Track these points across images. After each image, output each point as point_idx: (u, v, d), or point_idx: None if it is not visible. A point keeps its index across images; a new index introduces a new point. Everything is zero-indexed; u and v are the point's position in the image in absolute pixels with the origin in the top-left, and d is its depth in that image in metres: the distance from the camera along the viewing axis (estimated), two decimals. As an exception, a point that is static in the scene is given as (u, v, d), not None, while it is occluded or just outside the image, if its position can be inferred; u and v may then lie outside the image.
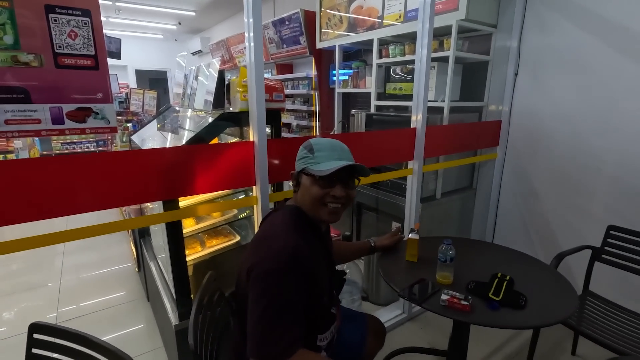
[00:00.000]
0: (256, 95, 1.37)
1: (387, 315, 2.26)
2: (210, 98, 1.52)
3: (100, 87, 1.11)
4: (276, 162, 1.51)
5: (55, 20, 1.01)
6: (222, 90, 1.53)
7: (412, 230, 1.52)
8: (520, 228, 2.57)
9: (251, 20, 1.31)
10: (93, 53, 1.08)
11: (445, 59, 2.34)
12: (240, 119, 1.50)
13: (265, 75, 4.82)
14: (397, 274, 1.42)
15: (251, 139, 1.45)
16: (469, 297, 1.17)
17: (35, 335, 1.02)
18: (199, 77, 1.70)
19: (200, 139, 1.44)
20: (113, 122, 1.15)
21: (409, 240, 1.50)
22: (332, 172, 0.97)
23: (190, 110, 1.90)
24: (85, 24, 1.06)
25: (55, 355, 1.01)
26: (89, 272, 3.07)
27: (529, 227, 2.51)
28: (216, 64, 1.55)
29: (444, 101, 2.40)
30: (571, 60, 2.15)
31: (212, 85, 1.52)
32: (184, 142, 1.48)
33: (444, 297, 1.18)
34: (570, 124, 2.20)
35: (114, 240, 3.60)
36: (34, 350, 1.02)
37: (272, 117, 1.53)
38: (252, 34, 1.32)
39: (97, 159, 1.15)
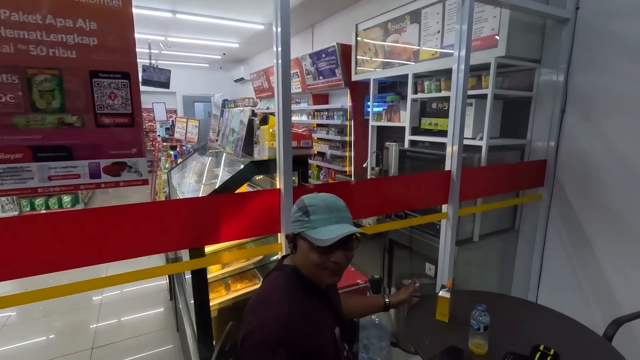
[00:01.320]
0: (283, 145, 1.38)
1: (417, 367, 2.11)
2: (240, 145, 1.56)
3: (135, 142, 1.17)
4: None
5: (97, 84, 1.09)
6: (251, 138, 1.56)
7: (443, 287, 1.43)
8: (570, 280, 2.32)
9: (280, 75, 1.33)
10: (130, 112, 1.15)
11: (484, 96, 2.25)
12: (268, 166, 1.51)
13: (301, 105, 4.94)
14: (426, 335, 1.32)
15: (277, 187, 1.45)
16: (506, 374, 1.06)
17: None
18: (231, 123, 1.76)
19: (229, 186, 1.46)
20: (145, 174, 1.20)
21: (439, 299, 1.40)
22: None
23: (224, 151, 1.97)
24: (124, 85, 1.13)
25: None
26: (127, 294, 3.20)
27: (580, 281, 2.26)
28: (247, 111, 1.59)
29: (482, 139, 2.29)
30: (627, 100, 1.97)
31: (242, 133, 1.56)
32: (213, 187, 1.51)
33: (476, 372, 1.08)
34: (626, 166, 1.99)
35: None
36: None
37: (300, 163, 1.53)
38: (280, 86, 1.35)
39: (129, 210, 1.20)
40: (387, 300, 1.41)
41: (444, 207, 2.02)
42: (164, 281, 3.29)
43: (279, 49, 1.34)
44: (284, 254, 1.49)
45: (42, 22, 0.99)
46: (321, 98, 4.95)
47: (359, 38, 3.62)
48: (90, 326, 2.62)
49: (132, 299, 3.11)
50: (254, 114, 1.63)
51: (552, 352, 1.18)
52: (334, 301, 1.13)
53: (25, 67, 1.00)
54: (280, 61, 1.35)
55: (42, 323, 2.75)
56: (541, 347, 1.20)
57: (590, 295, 2.21)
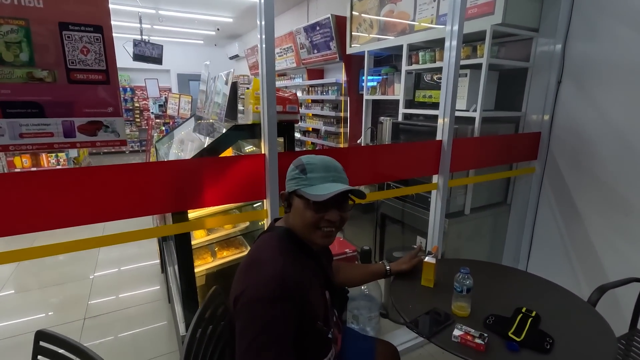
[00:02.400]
0: (267, 107, 1.34)
1: (406, 335, 2.14)
2: (224, 110, 1.52)
3: (111, 101, 1.13)
4: (288, 175, 1.47)
5: (68, 37, 1.04)
6: (235, 101, 1.51)
7: (429, 253, 1.42)
8: (560, 253, 2.34)
9: (264, 36, 1.28)
10: (104, 68, 1.10)
11: (478, 66, 2.19)
12: (253, 131, 1.48)
13: (296, 81, 4.85)
14: (410, 301, 1.32)
15: (262, 152, 1.42)
16: (485, 334, 1.06)
17: (41, 343, 1.05)
18: (216, 87, 1.71)
19: (212, 150, 1.43)
20: (122, 135, 1.17)
21: (425, 264, 1.39)
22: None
23: (208, 118, 1.92)
24: (97, 39, 1.08)
25: (58, 364, 1.03)
26: (120, 267, 3.22)
27: (569, 253, 2.27)
28: (231, 74, 1.54)
29: (475, 111, 2.25)
30: (624, 70, 1.92)
31: (225, 98, 1.51)
32: (194, 152, 1.48)
33: (456, 332, 1.08)
34: (620, 138, 1.97)
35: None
36: (39, 357, 1.05)
37: (286, 129, 1.50)
38: (264, 45, 1.30)
39: (112, 170, 1.17)
40: (387, 267, 1.41)
41: (435, 178, 2.00)
42: (156, 260, 3.30)
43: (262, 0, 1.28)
44: (269, 220, 1.47)
45: (4, -34, 0.93)
46: (316, 73, 4.85)
47: (353, 10, 3.51)
48: (84, 300, 2.64)
49: (127, 275, 3.13)
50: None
51: (533, 313, 1.18)
52: (325, 265, 1.13)
53: (-12, 16, 0.95)
54: (263, 22, 1.29)
55: (37, 295, 2.77)
56: (523, 310, 1.21)
57: (578, 265, 2.23)
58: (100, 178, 1.17)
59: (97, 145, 1.14)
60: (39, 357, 1.06)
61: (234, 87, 1.52)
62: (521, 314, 1.18)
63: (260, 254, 0.96)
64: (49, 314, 2.54)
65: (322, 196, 0.91)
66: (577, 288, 1.64)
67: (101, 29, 1.08)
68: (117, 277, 3.07)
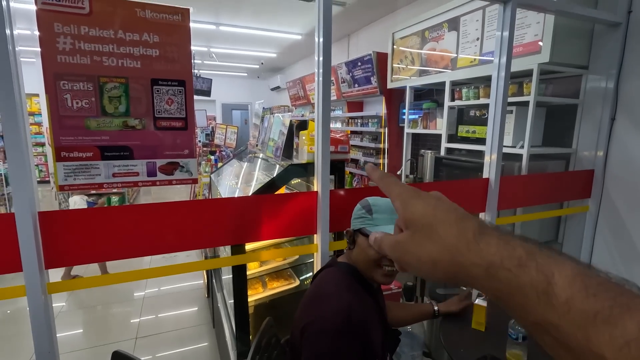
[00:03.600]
0: (322, 148, 1.44)
1: (451, 378, 2.06)
2: (280, 148, 1.63)
3: (188, 144, 1.27)
4: (338, 211, 1.54)
5: (157, 91, 1.21)
6: (291, 142, 1.63)
7: (479, 295, 1.40)
8: (620, 297, 2.18)
9: (321, 80, 1.40)
10: (184, 116, 1.25)
11: (525, 104, 2.19)
12: (306, 169, 1.58)
13: (336, 113, 5.01)
14: (461, 344, 1.31)
15: (315, 189, 1.50)
16: (545, 387, 1.03)
17: (116, 363, 1.16)
18: (272, 126, 1.85)
19: (270, 187, 1.54)
20: (195, 174, 1.30)
21: (475, 307, 1.38)
22: None
23: (263, 155, 2.06)
24: (180, 92, 1.24)
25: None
26: (168, 287, 3.39)
27: (630, 298, 2.12)
28: (287, 117, 1.67)
29: (522, 147, 2.22)
30: (685, 106, 1.85)
31: (282, 138, 1.63)
32: (254, 188, 1.59)
33: (513, 382, 1.06)
34: (685, 178, 1.86)
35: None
36: (114, 376, 1.15)
37: (337, 167, 1.58)
38: (320, 94, 1.41)
39: (179, 206, 1.30)
40: (436, 308, 1.42)
41: (482, 216, 1.98)
42: (199, 281, 3.45)
43: (320, 58, 1.40)
44: (319, 254, 1.54)
45: (114, 36, 1.12)
46: (356, 105, 5.00)
47: (395, 46, 3.65)
48: (132, 320, 2.80)
49: (171, 296, 3.28)
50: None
51: (597, 367, 1.13)
52: (381, 302, 1.16)
53: (98, 76, 1.13)
54: (321, 70, 1.41)
55: (90, 313, 2.97)
56: None
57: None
58: (175, 212, 1.30)
59: (173, 183, 1.28)
60: (113, 375, 1.16)
61: (291, 128, 1.64)
62: (583, 367, 1.13)
63: (326, 287, 1.01)
64: (104, 331, 2.71)
65: None
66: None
67: (184, 83, 1.24)
68: (164, 299, 3.23)
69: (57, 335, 1.26)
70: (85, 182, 1.17)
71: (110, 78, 1.14)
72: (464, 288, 2.34)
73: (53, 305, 1.23)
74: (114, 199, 5.72)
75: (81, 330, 2.69)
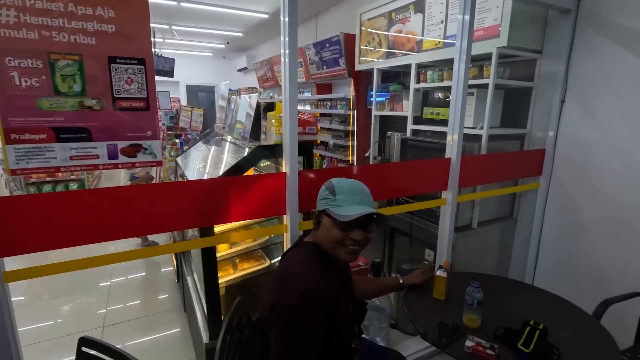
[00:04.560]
0: (290, 129, 1.44)
1: (415, 346, 2.20)
2: (248, 130, 1.62)
3: (150, 125, 1.24)
4: (306, 192, 1.56)
5: (115, 69, 1.15)
6: (259, 123, 1.62)
7: (440, 268, 1.50)
8: (565, 267, 2.40)
9: (287, 61, 1.39)
10: (145, 96, 1.21)
11: (485, 86, 2.29)
12: (275, 151, 1.58)
13: (305, 95, 4.97)
14: (423, 312, 1.40)
15: (283, 170, 1.52)
16: (496, 345, 1.13)
17: (83, 348, 1.14)
18: (239, 108, 1.82)
19: (237, 169, 1.53)
20: (159, 156, 1.27)
21: (436, 278, 1.47)
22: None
23: (229, 137, 2.03)
24: (140, 70, 1.19)
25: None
26: (135, 275, 3.31)
27: (575, 267, 2.34)
28: (255, 97, 1.65)
29: (482, 128, 2.34)
30: (625, 87, 2.01)
31: (250, 119, 1.61)
32: (222, 171, 1.58)
33: (468, 343, 1.15)
34: (624, 155, 2.05)
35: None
36: (82, 362, 1.14)
37: (305, 149, 1.60)
38: (287, 75, 1.40)
39: (144, 189, 1.27)
40: (401, 281, 1.50)
41: (444, 194, 2.09)
42: (169, 267, 3.39)
43: (287, 38, 1.39)
44: (288, 234, 1.56)
45: (64, 9, 1.05)
46: (324, 88, 4.98)
47: (362, 28, 3.64)
48: (98, 309, 2.72)
49: (139, 283, 3.21)
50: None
51: (541, 326, 1.25)
52: (348, 278, 1.21)
53: (48, 53, 1.06)
54: (287, 51, 1.40)
55: (51, 305, 2.85)
56: (531, 322, 1.28)
57: (582, 279, 2.29)
58: (138, 196, 1.27)
59: (136, 165, 1.24)
60: (81, 362, 1.14)
61: (258, 109, 1.62)
62: (529, 327, 1.25)
63: (293, 267, 1.04)
64: (68, 321, 2.62)
65: (347, 217, 1.00)
66: (582, 302, 1.68)
67: (144, 62, 1.19)
68: (132, 286, 3.16)
69: (18, 328, 1.22)
70: (40, 166, 1.11)
71: (62, 55, 1.07)
72: (426, 261, 2.48)
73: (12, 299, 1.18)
74: (72, 186, 5.43)
75: (43, 322, 2.59)
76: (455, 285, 1.51)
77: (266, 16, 5.74)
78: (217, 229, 1.61)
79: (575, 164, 2.30)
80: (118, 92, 1.17)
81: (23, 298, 2.88)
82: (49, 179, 5.32)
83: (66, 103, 1.10)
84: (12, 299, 1.19)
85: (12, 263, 1.17)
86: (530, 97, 2.46)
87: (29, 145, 1.08)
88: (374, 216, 1.07)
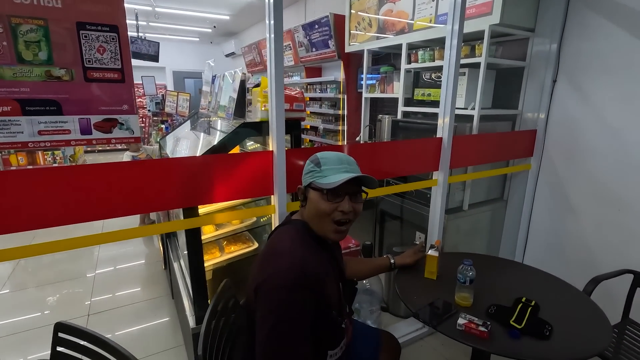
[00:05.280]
0: (276, 105, 1.38)
1: (406, 328, 2.20)
2: (232, 107, 1.55)
3: (126, 99, 1.16)
4: (294, 171, 1.51)
5: (85, 36, 1.07)
6: (243, 99, 1.54)
7: (432, 247, 1.47)
8: (555, 247, 2.41)
9: (272, 36, 1.31)
10: (120, 67, 1.13)
11: (476, 65, 2.25)
12: (260, 128, 1.52)
13: (294, 79, 4.87)
14: (414, 292, 1.37)
15: (270, 149, 1.46)
16: (488, 322, 1.11)
17: (60, 334, 1.08)
18: (222, 86, 1.74)
19: (221, 147, 1.46)
20: (137, 132, 1.20)
21: (428, 257, 1.45)
22: (340, 185, 0.96)
23: (215, 117, 1.95)
24: (113, 39, 1.10)
25: (78, 355, 1.06)
26: (122, 265, 3.23)
27: (564, 246, 2.35)
28: (239, 73, 1.57)
29: (474, 109, 2.30)
30: (617, 66, 1.99)
31: (234, 95, 1.54)
32: (205, 149, 1.51)
33: (460, 321, 1.13)
34: (615, 135, 2.04)
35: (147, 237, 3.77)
36: (59, 349, 1.08)
37: (292, 126, 1.54)
38: (273, 45, 1.33)
39: (122, 167, 1.20)
40: (392, 261, 1.47)
41: (435, 174, 2.06)
42: (155, 255, 3.33)
43: (272, 21, 1.31)
44: (276, 215, 1.51)
45: (25, -33, 0.96)
46: (314, 71, 4.88)
47: (352, 10, 3.55)
48: (84, 299, 2.65)
49: (125, 272, 3.14)
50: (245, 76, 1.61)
51: (533, 303, 1.24)
52: (338, 257, 1.17)
53: (8, 16, 0.97)
54: (272, 35, 1.32)
55: (38, 293, 2.77)
56: (523, 299, 1.26)
57: (572, 258, 2.30)
58: (115, 174, 1.20)
59: (112, 142, 1.17)
60: (58, 348, 1.09)
61: (242, 85, 1.55)
62: (521, 304, 1.24)
63: (279, 244, 0.99)
64: (52, 311, 2.55)
65: (333, 183, 0.96)
66: (572, 280, 1.69)
67: (117, 29, 1.10)
68: (118, 275, 3.09)
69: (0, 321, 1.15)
70: (6, 141, 1.03)
71: (25, 19, 0.98)
72: (416, 242, 2.46)
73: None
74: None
75: (24, 313, 2.51)
76: (447, 265, 1.48)
77: (253, -2, 5.57)
78: (202, 210, 1.55)
79: (566, 145, 2.29)
80: (89, 61, 1.08)
81: (8, 291, 2.79)
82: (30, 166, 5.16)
83: (31, 72, 1.02)
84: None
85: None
86: (522, 77, 2.43)
87: (-8, 118, 1.00)
88: (363, 188, 1.03)
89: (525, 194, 2.52)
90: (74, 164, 5.99)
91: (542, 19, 2.28)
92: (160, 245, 2.91)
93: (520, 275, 1.55)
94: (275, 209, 1.51)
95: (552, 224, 2.42)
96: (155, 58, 5.89)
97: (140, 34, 6.37)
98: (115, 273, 3.10)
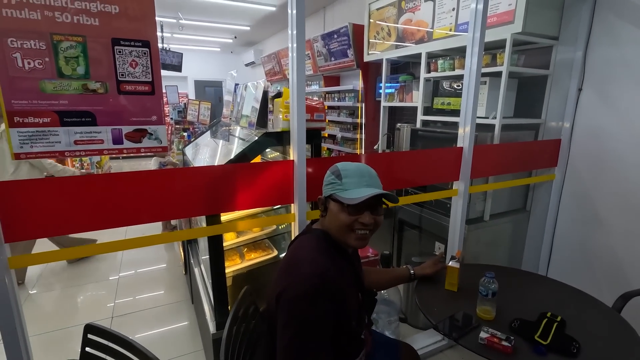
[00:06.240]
0: (297, 116, 1.41)
1: (425, 340, 2.16)
2: (254, 117, 1.59)
3: (155, 110, 1.21)
4: (314, 180, 1.53)
5: (119, 52, 1.13)
6: (265, 109, 1.58)
7: (452, 258, 1.45)
8: (580, 260, 2.33)
9: (295, 45, 1.35)
10: (150, 80, 1.18)
11: (498, 74, 2.22)
12: (282, 138, 1.55)
13: (313, 87, 4.93)
14: (435, 304, 1.36)
15: (291, 158, 1.48)
16: (512, 337, 1.09)
17: (89, 336, 1.13)
18: (245, 95, 1.79)
19: (243, 156, 1.50)
20: (164, 142, 1.25)
21: (449, 269, 1.43)
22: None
23: (237, 126, 2.00)
24: (144, 53, 1.16)
25: (105, 356, 1.10)
26: (143, 268, 3.32)
27: (591, 260, 2.26)
28: (261, 83, 1.61)
29: (495, 118, 2.27)
30: (647, 75, 1.93)
31: (256, 105, 1.58)
32: (228, 159, 1.55)
33: (483, 334, 1.11)
34: (643, 145, 1.97)
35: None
36: (87, 349, 1.13)
37: (313, 136, 1.56)
38: (295, 55, 1.36)
39: (149, 175, 1.25)
40: (412, 271, 1.46)
41: (455, 184, 2.03)
42: (177, 260, 3.40)
43: (294, 32, 1.35)
44: (296, 223, 1.53)
45: (67, -11, 1.02)
46: (332, 80, 4.93)
47: (371, 18, 3.58)
48: (107, 301, 2.74)
49: (147, 276, 3.22)
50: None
51: (559, 318, 1.20)
52: (357, 267, 1.18)
53: (51, 34, 1.04)
54: (295, 45, 1.36)
55: (61, 296, 2.87)
56: (548, 314, 1.23)
57: (599, 272, 2.22)
58: (145, 182, 1.25)
59: (141, 151, 1.22)
60: (87, 349, 1.13)
61: (265, 95, 1.59)
62: (546, 319, 1.20)
63: (300, 254, 1.01)
64: (78, 313, 2.64)
65: (355, 199, 0.96)
66: (600, 295, 1.62)
67: (149, 44, 1.16)
68: (139, 278, 3.17)
69: (27, 318, 1.21)
70: (44, 150, 1.10)
71: (66, 36, 1.05)
72: (435, 253, 2.43)
73: (22, 291, 1.17)
74: (82, 172, 5.48)
75: (53, 313, 2.61)
76: (468, 276, 1.46)
77: (273, 9, 5.69)
78: (224, 217, 1.58)
79: (592, 155, 2.22)
80: (122, 75, 1.14)
81: (35, 291, 2.91)
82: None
83: (70, 86, 1.08)
84: (25, 291, 1.18)
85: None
86: (546, 85, 2.38)
87: (33, 129, 1.07)
88: (383, 199, 1.03)
89: (549, 204, 2.45)
90: (100, 170, 6.21)
91: (567, 26, 2.24)
92: (181, 250, 2.97)
93: (544, 289, 1.50)
94: (295, 217, 1.53)
95: (578, 236, 2.34)
96: (178, 68, 6.09)
97: (164, 45, 6.61)
98: (137, 277, 3.18)
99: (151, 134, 1.22)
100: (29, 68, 1.03)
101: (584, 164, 2.28)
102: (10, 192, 1.07)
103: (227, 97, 2.49)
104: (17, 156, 1.06)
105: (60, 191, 1.14)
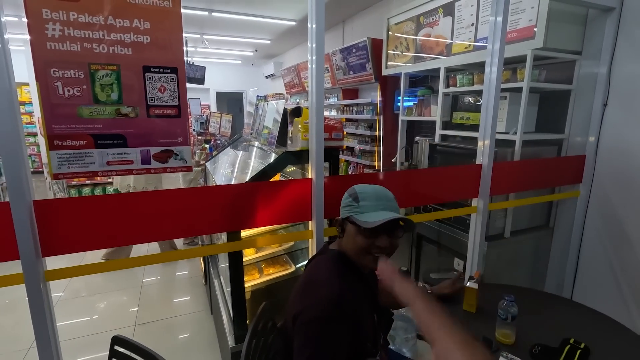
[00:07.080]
0: (316, 136, 1.44)
1: None
2: (275, 136, 1.64)
3: (181, 132, 1.28)
4: (332, 198, 1.55)
5: (149, 78, 1.20)
6: (285, 129, 1.63)
7: (471, 279, 1.44)
8: (609, 282, 2.23)
9: (314, 67, 1.39)
10: (177, 103, 1.25)
11: (518, 90, 2.20)
12: (301, 157, 1.58)
13: (331, 100, 4.98)
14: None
15: (309, 176, 1.52)
16: (532, 364, 1.07)
17: (116, 347, 1.18)
18: (266, 115, 1.84)
19: (264, 175, 1.55)
20: (189, 162, 1.31)
21: (467, 289, 1.42)
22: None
23: (257, 143, 2.06)
24: (172, 79, 1.23)
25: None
26: (165, 278, 3.41)
27: (620, 282, 2.17)
28: (282, 104, 1.66)
29: (515, 133, 2.24)
30: (676, 91, 1.87)
31: (276, 125, 1.63)
32: (249, 176, 1.60)
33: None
34: (674, 163, 1.89)
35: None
36: (113, 360, 1.18)
37: (331, 155, 1.59)
38: (314, 81, 1.41)
39: (174, 194, 1.31)
40: (429, 291, 1.45)
41: (474, 201, 2.01)
42: (197, 270, 3.48)
43: (314, 45, 1.39)
44: (314, 240, 1.56)
45: (104, 22, 1.11)
46: (351, 93, 4.97)
47: (390, 32, 3.61)
48: (130, 308, 2.83)
49: (169, 284, 3.31)
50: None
51: (582, 345, 1.17)
52: (373, 287, 1.19)
53: (89, 63, 1.12)
54: (314, 57, 1.41)
55: (88, 302, 2.99)
56: (571, 341, 1.20)
57: (629, 294, 2.12)
58: (171, 200, 1.31)
59: (167, 171, 1.28)
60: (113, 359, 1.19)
61: (284, 115, 1.64)
62: (569, 345, 1.17)
63: (316, 275, 1.03)
64: (103, 319, 2.74)
65: (371, 223, 0.98)
66: (629, 320, 1.54)
67: (176, 70, 1.23)
68: (161, 288, 3.25)
69: (57, 323, 1.28)
70: (80, 171, 1.17)
71: (102, 65, 1.13)
72: (455, 271, 2.39)
73: (52, 294, 1.25)
74: (109, 189, 5.70)
75: (80, 318, 2.72)
76: (487, 297, 1.44)
77: (294, 23, 5.82)
78: (244, 233, 1.63)
79: (619, 171, 2.15)
80: (152, 100, 1.21)
81: (63, 294, 3.04)
82: (88, 181, 5.64)
83: (104, 111, 1.16)
84: (52, 295, 1.25)
85: (52, 262, 1.24)
86: (569, 100, 2.34)
87: (70, 151, 1.15)
88: (400, 222, 1.05)
89: (574, 222, 2.38)
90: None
91: (590, 41, 2.21)
92: (202, 261, 3.04)
93: (568, 313, 1.46)
94: (313, 234, 1.55)
95: (606, 256, 2.25)
96: (201, 81, 6.30)
97: (188, 59, 6.86)
98: (158, 286, 3.27)
99: (177, 154, 1.28)
100: (68, 95, 1.11)
101: (610, 180, 2.21)
102: (48, 210, 1.15)
103: (249, 109, 2.56)
104: (55, 176, 1.14)
105: (94, 209, 1.21)
